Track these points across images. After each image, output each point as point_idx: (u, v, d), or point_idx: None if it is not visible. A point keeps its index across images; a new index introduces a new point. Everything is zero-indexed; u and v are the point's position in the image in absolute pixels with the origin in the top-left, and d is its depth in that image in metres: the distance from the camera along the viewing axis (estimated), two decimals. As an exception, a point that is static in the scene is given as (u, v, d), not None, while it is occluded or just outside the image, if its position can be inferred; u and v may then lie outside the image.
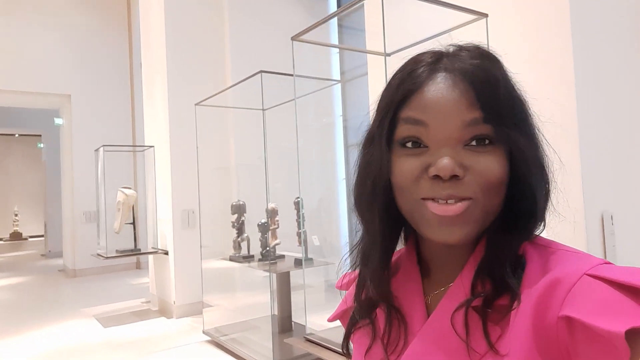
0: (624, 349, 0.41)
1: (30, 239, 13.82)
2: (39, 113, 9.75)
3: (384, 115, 0.57)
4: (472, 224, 0.52)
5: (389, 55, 1.89)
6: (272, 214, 3.70)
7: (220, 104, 4.40)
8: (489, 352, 0.50)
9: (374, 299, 0.62)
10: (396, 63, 0.61)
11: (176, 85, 4.70)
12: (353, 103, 5.27)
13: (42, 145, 10.78)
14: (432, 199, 0.52)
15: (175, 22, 4.75)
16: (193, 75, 4.79)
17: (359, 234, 0.64)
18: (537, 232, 0.57)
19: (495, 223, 0.55)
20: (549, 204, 0.57)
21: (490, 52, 0.57)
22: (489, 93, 0.52)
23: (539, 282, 0.50)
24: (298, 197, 3.55)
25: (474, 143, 0.52)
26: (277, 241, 3.71)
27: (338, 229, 5.08)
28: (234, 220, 3.93)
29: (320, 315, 3.32)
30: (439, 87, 0.53)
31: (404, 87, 0.55)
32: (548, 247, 0.55)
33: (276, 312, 3.80)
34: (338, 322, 0.77)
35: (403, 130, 0.55)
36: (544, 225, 0.57)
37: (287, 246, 3.81)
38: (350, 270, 0.69)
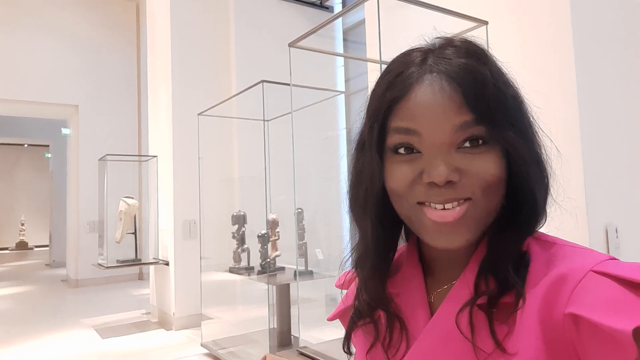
0: (632, 347, 0.41)
1: (35, 249, 13.85)
2: (47, 123, 9.84)
3: (372, 123, 0.56)
4: (472, 228, 0.52)
5: (386, 63, 1.86)
6: (272, 225, 3.65)
7: (223, 114, 4.39)
8: (495, 351, 0.49)
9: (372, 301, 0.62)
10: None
11: (180, 96, 4.71)
12: (357, 115, 5.24)
13: (49, 155, 10.86)
14: (429, 204, 0.52)
15: (180, 32, 4.77)
16: (198, 85, 4.80)
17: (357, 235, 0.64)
18: (539, 226, 0.56)
19: (496, 221, 0.54)
20: (549, 197, 0.56)
21: (478, 46, 0.55)
22: (478, 93, 0.50)
23: (544, 278, 0.49)
24: (299, 209, 3.50)
25: (467, 145, 0.51)
26: (277, 253, 3.65)
27: (341, 242, 5.02)
28: (234, 231, 3.89)
29: (321, 330, 3.25)
30: (426, 92, 0.52)
31: (391, 94, 0.54)
32: (552, 243, 0.54)
33: (275, 326, 3.73)
34: (336, 336, 0.75)
35: (395, 139, 0.54)
36: (545, 219, 0.56)
37: (288, 259, 3.76)
38: (351, 270, 0.68)
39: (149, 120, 5.46)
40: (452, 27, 1.81)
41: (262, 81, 3.17)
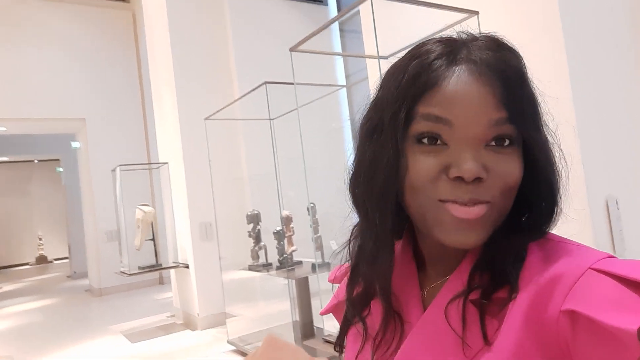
0: (636, 346, 0.40)
1: (55, 262, 14.11)
2: (56, 138, 10.00)
3: (398, 108, 0.51)
4: (488, 228, 0.51)
5: (385, 58, 1.94)
6: (286, 221, 3.75)
7: (229, 116, 4.48)
8: (484, 346, 0.48)
9: (366, 296, 0.61)
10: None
11: (185, 102, 4.80)
12: (360, 106, 5.30)
13: (61, 169, 11.03)
14: (453, 201, 0.49)
15: (179, 38, 4.85)
16: (201, 89, 4.88)
17: (354, 227, 0.62)
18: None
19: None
20: (561, 202, 0.55)
21: (509, 43, 0.53)
22: (515, 90, 0.49)
23: (539, 275, 0.48)
24: (311, 203, 3.60)
25: (493, 143, 0.50)
26: (293, 248, 3.76)
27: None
28: (250, 229, 4.00)
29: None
30: (464, 81, 0.49)
31: (422, 79, 0.50)
32: (549, 240, 0.53)
33: (297, 318, 3.84)
34: None
35: (421, 126, 0.50)
36: (555, 225, 0.56)
37: (305, 252, 3.86)
38: (344, 264, 0.66)
39: (156, 128, 5.57)
40: (444, 20, 1.88)
41: (265, 82, 3.25)
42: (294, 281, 3.74)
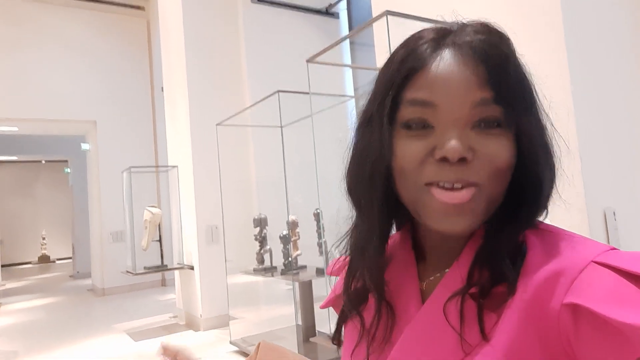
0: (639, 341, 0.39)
1: (57, 262, 14.20)
2: (65, 139, 10.15)
3: (385, 94, 0.53)
4: (477, 213, 0.50)
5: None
6: (292, 226, 3.84)
7: (240, 123, 4.60)
8: (481, 342, 0.48)
9: (364, 290, 0.60)
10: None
11: (197, 107, 4.93)
12: (362, 93, 5.41)
13: (68, 170, 11.16)
14: (438, 185, 0.49)
15: (194, 47, 4.99)
16: (213, 96, 5.01)
17: (351, 220, 0.62)
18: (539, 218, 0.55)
19: (496, 210, 0.52)
20: (554, 190, 0.54)
21: (497, 26, 0.53)
22: (500, 71, 0.49)
23: (540, 269, 0.47)
24: (318, 209, 3.69)
25: (482, 125, 0.49)
26: (298, 252, 3.85)
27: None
28: (256, 233, 4.09)
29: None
30: (447, 64, 0.50)
31: (407, 65, 0.51)
32: (551, 233, 0.52)
33: (300, 322, 3.92)
34: None
35: (407, 112, 0.51)
36: (547, 213, 0.55)
37: (309, 257, 3.95)
38: (341, 256, 0.66)
39: (167, 132, 5.69)
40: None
41: (278, 91, 3.37)
42: (297, 284, 3.82)
